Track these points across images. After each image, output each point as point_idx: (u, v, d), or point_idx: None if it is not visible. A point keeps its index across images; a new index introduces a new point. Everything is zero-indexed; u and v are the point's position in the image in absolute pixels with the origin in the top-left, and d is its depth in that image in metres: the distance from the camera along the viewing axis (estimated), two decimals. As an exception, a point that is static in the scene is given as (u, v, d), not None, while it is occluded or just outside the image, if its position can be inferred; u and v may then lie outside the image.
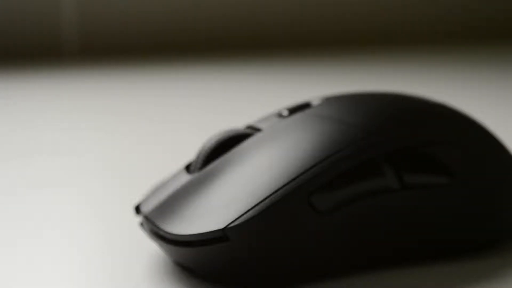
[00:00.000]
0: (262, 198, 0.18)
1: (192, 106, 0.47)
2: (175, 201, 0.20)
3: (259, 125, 0.22)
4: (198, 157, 0.21)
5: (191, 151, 0.35)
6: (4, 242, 0.23)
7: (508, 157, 0.22)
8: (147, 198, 0.21)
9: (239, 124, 0.40)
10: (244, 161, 0.20)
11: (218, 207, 0.19)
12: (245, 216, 0.18)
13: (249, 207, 0.18)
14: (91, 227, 0.24)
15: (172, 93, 0.53)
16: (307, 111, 0.21)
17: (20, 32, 0.72)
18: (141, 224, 0.21)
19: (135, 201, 0.27)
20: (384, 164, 0.19)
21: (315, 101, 0.22)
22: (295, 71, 0.62)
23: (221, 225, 0.18)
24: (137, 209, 0.21)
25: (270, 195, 0.18)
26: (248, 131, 0.21)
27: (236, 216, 0.18)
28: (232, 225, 0.18)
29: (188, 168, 0.22)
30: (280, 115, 0.22)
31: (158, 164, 0.32)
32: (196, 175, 0.20)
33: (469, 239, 0.20)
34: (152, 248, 0.22)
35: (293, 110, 0.22)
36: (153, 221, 0.20)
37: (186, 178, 0.21)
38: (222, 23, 0.76)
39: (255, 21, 0.77)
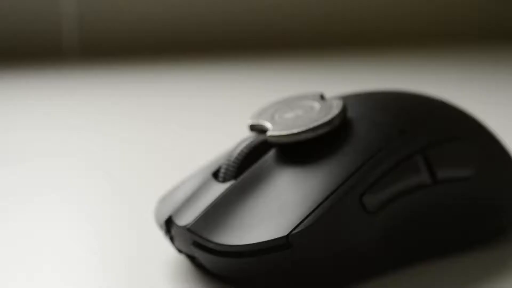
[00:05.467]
0: (318, 202, 0.18)
1: (194, 106, 0.47)
2: (219, 211, 0.19)
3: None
4: (229, 164, 0.21)
5: (194, 152, 0.34)
6: (4, 242, 0.22)
7: (505, 153, 0.22)
8: (177, 210, 0.21)
9: (242, 124, 0.40)
10: (286, 167, 0.20)
11: (274, 215, 0.18)
12: (306, 221, 0.18)
13: (308, 213, 0.18)
14: (103, 230, 0.23)
15: (173, 93, 0.52)
16: None
17: (20, 32, 0.71)
18: (172, 238, 0.20)
19: (138, 203, 0.26)
20: (419, 160, 0.20)
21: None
22: (294, 71, 0.62)
23: (283, 232, 0.18)
24: (168, 223, 0.21)
25: (326, 199, 0.18)
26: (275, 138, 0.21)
27: (297, 222, 0.18)
28: (295, 231, 0.18)
29: (215, 175, 0.21)
30: None
31: (160, 165, 0.32)
32: (233, 183, 0.20)
33: (494, 228, 0.21)
34: (167, 252, 0.22)
35: None
36: (198, 233, 0.19)
37: (221, 186, 0.20)
38: (223, 22, 0.76)
39: (255, 20, 0.76)
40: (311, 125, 0.20)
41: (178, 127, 0.40)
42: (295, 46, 0.78)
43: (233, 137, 0.37)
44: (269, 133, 0.20)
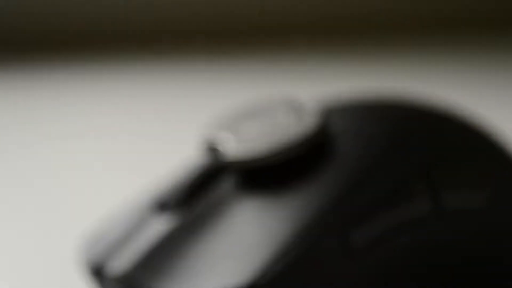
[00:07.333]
0: (290, 242, 0.16)
1: (134, 113, 0.41)
2: (163, 254, 0.17)
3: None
4: (176, 193, 0.18)
5: (132, 173, 0.29)
6: None
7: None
8: (109, 254, 0.18)
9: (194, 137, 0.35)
10: (250, 196, 0.17)
11: (234, 258, 0.16)
12: (274, 266, 0.16)
13: (277, 255, 0.16)
14: None
15: (104, 96, 0.47)
16: None
17: None
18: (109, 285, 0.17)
19: (62, 240, 0.22)
20: (420, 186, 0.17)
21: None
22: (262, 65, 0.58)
23: (246, 281, 0.15)
24: (98, 270, 0.18)
25: (300, 237, 0.16)
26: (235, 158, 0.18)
27: (263, 268, 0.16)
28: (261, 279, 0.15)
29: (158, 207, 0.18)
30: None
31: (88, 190, 0.28)
32: (181, 217, 0.17)
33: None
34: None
35: None
36: (136, 284, 0.17)
37: (165, 222, 0.18)
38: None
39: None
40: (283, 145, 0.17)
41: (111, 140, 0.34)
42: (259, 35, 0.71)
43: (182, 155, 0.33)
44: (227, 154, 0.17)
